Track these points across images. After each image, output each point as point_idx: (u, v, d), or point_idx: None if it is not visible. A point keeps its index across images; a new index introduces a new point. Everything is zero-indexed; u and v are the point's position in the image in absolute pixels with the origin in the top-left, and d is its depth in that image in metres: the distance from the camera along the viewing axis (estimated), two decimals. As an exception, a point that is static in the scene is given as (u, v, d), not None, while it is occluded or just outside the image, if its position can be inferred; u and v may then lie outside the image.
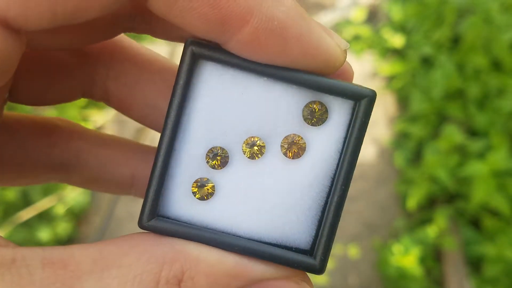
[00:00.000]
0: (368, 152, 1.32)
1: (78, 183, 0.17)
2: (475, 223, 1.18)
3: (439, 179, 1.11)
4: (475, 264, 1.14)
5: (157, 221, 0.14)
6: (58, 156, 0.16)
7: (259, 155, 0.14)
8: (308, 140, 0.13)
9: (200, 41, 0.13)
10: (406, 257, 1.04)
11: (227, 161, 0.14)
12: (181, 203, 0.14)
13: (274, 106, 0.13)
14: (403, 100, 1.37)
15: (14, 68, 0.13)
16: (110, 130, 1.25)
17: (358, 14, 1.55)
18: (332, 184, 0.13)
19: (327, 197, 0.13)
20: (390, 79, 1.41)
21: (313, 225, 0.13)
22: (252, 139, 0.14)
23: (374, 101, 0.13)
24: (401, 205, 1.24)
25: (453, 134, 1.14)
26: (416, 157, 1.28)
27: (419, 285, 1.07)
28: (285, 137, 0.14)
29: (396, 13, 1.40)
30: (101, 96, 0.16)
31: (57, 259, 0.09)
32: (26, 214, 1.00)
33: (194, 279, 0.12)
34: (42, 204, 1.03)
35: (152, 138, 1.26)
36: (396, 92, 1.38)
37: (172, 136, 0.14)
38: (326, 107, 0.13)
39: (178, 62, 0.14)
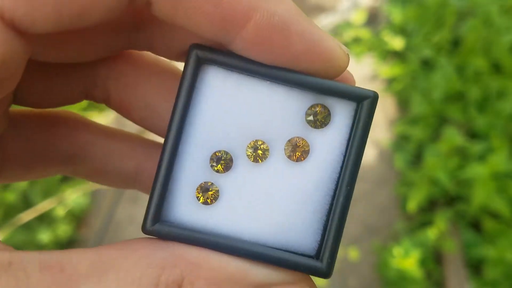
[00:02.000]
0: (368, 154, 1.32)
1: (84, 175, 0.17)
2: (475, 226, 1.18)
3: (439, 181, 1.11)
4: (475, 267, 1.13)
5: (160, 225, 0.14)
6: (65, 148, 0.16)
7: (263, 159, 0.14)
8: (311, 143, 0.13)
9: (203, 46, 0.13)
10: (406, 260, 1.04)
11: (231, 165, 0.14)
12: (185, 207, 0.14)
13: (278, 110, 0.13)
14: (403, 103, 1.38)
15: (21, 72, 0.13)
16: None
17: (358, 17, 1.56)
18: (336, 187, 0.13)
19: (332, 200, 0.13)
20: (390, 81, 1.41)
21: (319, 229, 0.13)
22: (256, 142, 0.14)
23: (376, 102, 0.13)
24: (401, 207, 1.24)
25: (453, 136, 1.14)
26: (416, 159, 1.29)
27: (419, 287, 1.07)
28: (288, 140, 0.14)
29: (396, 15, 1.41)
30: (102, 98, 0.16)
31: (55, 262, 0.09)
32: (26, 216, 1.00)
33: (194, 284, 0.11)
34: (42, 206, 1.03)
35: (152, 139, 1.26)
36: (396, 94, 1.38)
37: (176, 139, 0.14)
38: (328, 110, 0.13)
39: (178, 66, 0.14)
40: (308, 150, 0.13)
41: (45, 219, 1.07)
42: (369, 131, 0.13)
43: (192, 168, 0.14)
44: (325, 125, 0.13)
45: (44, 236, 1.02)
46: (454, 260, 1.11)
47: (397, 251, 1.05)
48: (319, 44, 0.13)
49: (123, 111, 0.16)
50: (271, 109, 0.13)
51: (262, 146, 0.14)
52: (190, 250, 0.12)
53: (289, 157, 0.14)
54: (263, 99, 0.13)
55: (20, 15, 0.11)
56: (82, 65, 0.16)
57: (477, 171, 1.05)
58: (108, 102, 0.16)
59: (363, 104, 0.13)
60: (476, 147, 1.15)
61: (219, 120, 0.14)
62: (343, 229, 0.13)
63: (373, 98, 0.13)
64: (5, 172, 0.16)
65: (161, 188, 0.14)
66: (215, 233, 0.14)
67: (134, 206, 1.24)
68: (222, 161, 0.14)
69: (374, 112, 0.13)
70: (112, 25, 0.14)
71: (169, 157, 0.14)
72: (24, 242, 0.99)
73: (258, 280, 0.12)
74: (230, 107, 0.14)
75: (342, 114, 0.13)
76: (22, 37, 0.12)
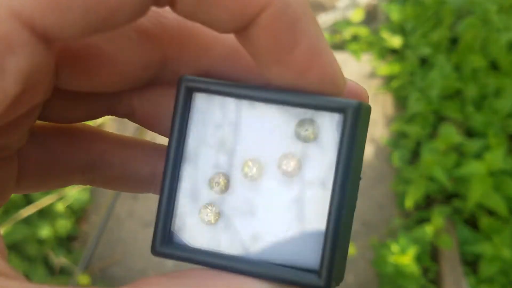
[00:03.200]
0: (366, 151, 1.32)
1: (102, 184, 0.17)
2: (472, 223, 1.19)
3: (436, 178, 1.11)
4: (471, 263, 1.14)
5: (169, 247, 0.14)
6: (83, 158, 0.16)
7: (258, 177, 0.14)
8: (303, 157, 0.14)
9: (191, 77, 0.14)
10: (403, 256, 1.04)
11: (229, 186, 0.14)
12: (188, 228, 0.15)
13: (267, 128, 0.14)
14: (401, 100, 1.38)
15: (51, 84, 0.13)
16: (110, 128, 1.26)
17: (357, 15, 1.56)
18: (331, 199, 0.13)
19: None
20: (389, 79, 1.41)
21: (319, 243, 0.13)
22: (250, 162, 0.14)
23: (360, 113, 0.13)
24: (398, 204, 1.24)
25: (450, 134, 1.15)
26: (414, 156, 1.29)
27: (416, 283, 1.08)
28: (280, 156, 0.14)
29: (395, 14, 1.41)
30: (125, 113, 0.17)
31: None
32: (26, 211, 1.00)
33: None
34: (43, 202, 1.03)
35: (152, 135, 1.27)
36: (394, 92, 1.39)
37: (175, 166, 0.14)
38: (316, 123, 0.14)
39: None
40: (301, 165, 0.14)
41: (45, 214, 1.08)
42: (356, 141, 0.13)
43: (192, 191, 0.14)
44: (315, 139, 0.14)
45: (44, 231, 1.03)
46: (451, 256, 1.12)
47: (394, 247, 1.06)
48: (320, 52, 0.13)
49: (147, 124, 0.17)
50: (261, 127, 0.14)
51: (255, 165, 0.14)
52: (203, 283, 0.12)
53: (283, 173, 0.14)
54: (252, 119, 0.14)
55: (51, 24, 0.11)
56: None
57: (474, 168, 1.05)
58: (131, 116, 0.17)
59: (347, 115, 0.13)
60: (473, 145, 1.16)
61: (213, 143, 0.14)
62: (340, 242, 0.13)
63: (356, 108, 0.13)
64: (25, 182, 0.16)
65: (165, 211, 0.14)
66: (220, 253, 0.14)
67: (133, 202, 1.25)
68: (220, 183, 0.14)
69: (359, 122, 0.13)
70: (142, 62, 0.15)
71: (170, 182, 0.14)
72: (25, 237, 0.99)
73: None
74: (222, 130, 0.14)
75: (331, 126, 0.13)
76: (50, 46, 0.12)
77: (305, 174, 0.14)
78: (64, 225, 1.09)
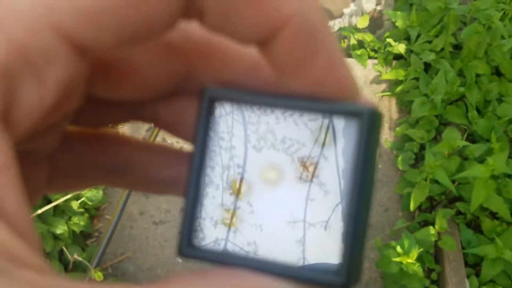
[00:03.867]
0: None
1: (126, 185, 0.18)
2: (475, 225, 1.20)
3: (440, 182, 1.13)
4: (474, 265, 1.16)
5: (193, 249, 0.15)
6: (109, 161, 0.17)
7: (277, 183, 0.15)
8: (319, 162, 0.14)
9: (214, 88, 0.15)
10: (407, 257, 1.06)
11: (248, 191, 0.15)
12: (211, 231, 0.15)
13: (286, 134, 0.15)
14: (406, 105, 1.40)
15: (83, 93, 0.14)
16: (122, 129, 1.29)
17: (362, 21, 1.58)
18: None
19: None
20: (394, 84, 1.43)
21: (336, 247, 0.14)
22: (269, 168, 0.15)
23: (374, 118, 0.13)
24: (403, 206, 1.26)
25: (454, 138, 1.16)
26: (418, 160, 1.31)
27: (419, 284, 1.09)
28: (299, 161, 0.14)
29: (400, 20, 1.43)
30: (150, 118, 0.17)
31: None
32: (42, 209, 1.03)
33: None
34: (58, 200, 1.06)
35: (162, 136, 1.31)
36: (399, 96, 1.41)
37: (199, 173, 0.15)
38: (334, 128, 0.14)
39: None
40: (317, 169, 0.14)
41: (61, 211, 1.11)
42: (370, 147, 0.13)
43: (214, 195, 0.15)
44: (332, 143, 0.14)
45: (59, 228, 1.05)
46: (454, 258, 1.13)
47: (398, 248, 1.07)
48: (337, 62, 0.13)
49: (171, 130, 0.17)
50: (279, 133, 0.15)
51: (274, 170, 0.15)
52: (227, 281, 0.12)
53: (301, 177, 0.14)
54: (271, 126, 0.15)
55: (87, 38, 0.12)
56: None
57: (477, 172, 1.06)
58: (156, 122, 0.17)
59: (363, 121, 0.13)
60: (476, 149, 1.18)
61: (234, 149, 0.15)
62: (358, 242, 0.14)
63: (370, 114, 0.13)
64: (54, 183, 0.17)
65: (190, 215, 0.15)
66: (242, 255, 0.15)
67: (144, 201, 1.28)
68: (240, 188, 0.15)
69: (374, 127, 0.13)
70: (168, 73, 0.16)
71: (194, 187, 0.15)
72: (40, 233, 1.02)
73: None
74: (243, 136, 0.15)
75: (348, 131, 0.14)
76: (85, 58, 0.13)
77: (323, 178, 0.14)
78: (78, 222, 1.11)
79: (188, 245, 0.15)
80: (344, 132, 0.14)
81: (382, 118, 0.15)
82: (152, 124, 0.18)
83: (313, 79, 0.14)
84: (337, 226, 0.14)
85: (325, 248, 0.14)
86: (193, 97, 0.16)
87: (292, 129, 0.15)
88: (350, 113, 0.14)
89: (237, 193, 0.15)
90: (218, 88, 0.15)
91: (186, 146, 0.16)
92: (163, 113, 0.17)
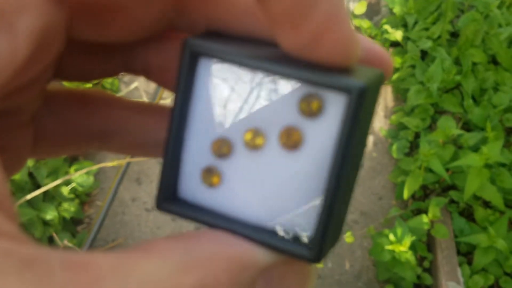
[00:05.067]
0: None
1: (119, 150, 0.17)
2: (468, 214, 1.21)
3: (434, 170, 1.13)
4: (466, 254, 1.16)
5: (173, 203, 0.15)
6: (97, 124, 0.16)
7: (259, 147, 0.14)
8: (305, 132, 0.14)
9: (196, 39, 0.14)
10: (400, 245, 1.06)
11: (230, 152, 0.14)
12: (192, 188, 0.15)
13: (272, 99, 0.14)
14: (401, 93, 1.39)
15: (62, 45, 0.13)
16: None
17: (360, 7, 1.57)
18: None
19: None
20: (390, 72, 1.42)
21: (313, 217, 0.14)
22: (252, 131, 0.14)
23: (365, 95, 0.13)
24: (396, 195, 1.26)
25: (449, 127, 1.16)
26: (412, 148, 1.31)
27: (412, 272, 1.10)
28: (282, 129, 0.14)
29: (397, 7, 1.42)
30: (141, 69, 0.16)
31: (80, 262, 0.09)
32: (31, 195, 1.02)
33: (219, 280, 0.11)
34: (48, 185, 1.05)
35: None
36: (395, 84, 1.40)
37: (179, 128, 0.14)
38: (321, 100, 0.13)
39: None
40: (301, 139, 0.14)
41: (51, 198, 1.10)
42: (357, 124, 0.13)
43: (195, 154, 0.15)
44: (318, 115, 0.13)
45: (49, 215, 1.04)
46: (446, 246, 1.14)
47: (391, 236, 1.08)
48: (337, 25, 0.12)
49: (164, 81, 0.16)
50: (265, 98, 0.14)
51: (257, 134, 0.14)
52: (207, 246, 0.12)
53: (284, 145, 0.14)
54: (257, 89, 0.14)
55: None
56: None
57: (471, 160, 1.07)
58: (148, 73, 0.16)
59: (352, 96, 0.13)
60: (471, 138, 1.18)
61: (217, 109, 0.14)
62: (333, 217, 0.13)
63: (361, 90, 0.13)
64: (40, 148, 0.16)
65: (169, 170, 0.15)
66: (222, 214, 0.14)
67: (138, 186, 1.27)
68: (223, 148, 0.14)
69: (363, 105, 0.13)
70: (157, 9, 0.14)
71: (174, 142, 0.15)
72: (30, 219, 1.01)
73: (264, 263, 0.13)
74: (226, 96, 0.14)
75: (335, 105, 0.13)
76: (62, 6, 0.12)
77: (305, 149, 0.14)
78: (68, 208, 1.10)
79: (166, 199, 0.15)
80: (335, 104, 0.13)
81: (382, 81, 0.14)
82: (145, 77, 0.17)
83: (308, 34, 0.12)
84: (317, 197, 0.14)
85: (303, 217, 0.14)
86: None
87: (280, 95, 0.14)
88: (338, 88, 0.13)
89: (218, 152, 0.14)
90: (200, 41, 0.14)
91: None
92: (154, 61, 0.16)
